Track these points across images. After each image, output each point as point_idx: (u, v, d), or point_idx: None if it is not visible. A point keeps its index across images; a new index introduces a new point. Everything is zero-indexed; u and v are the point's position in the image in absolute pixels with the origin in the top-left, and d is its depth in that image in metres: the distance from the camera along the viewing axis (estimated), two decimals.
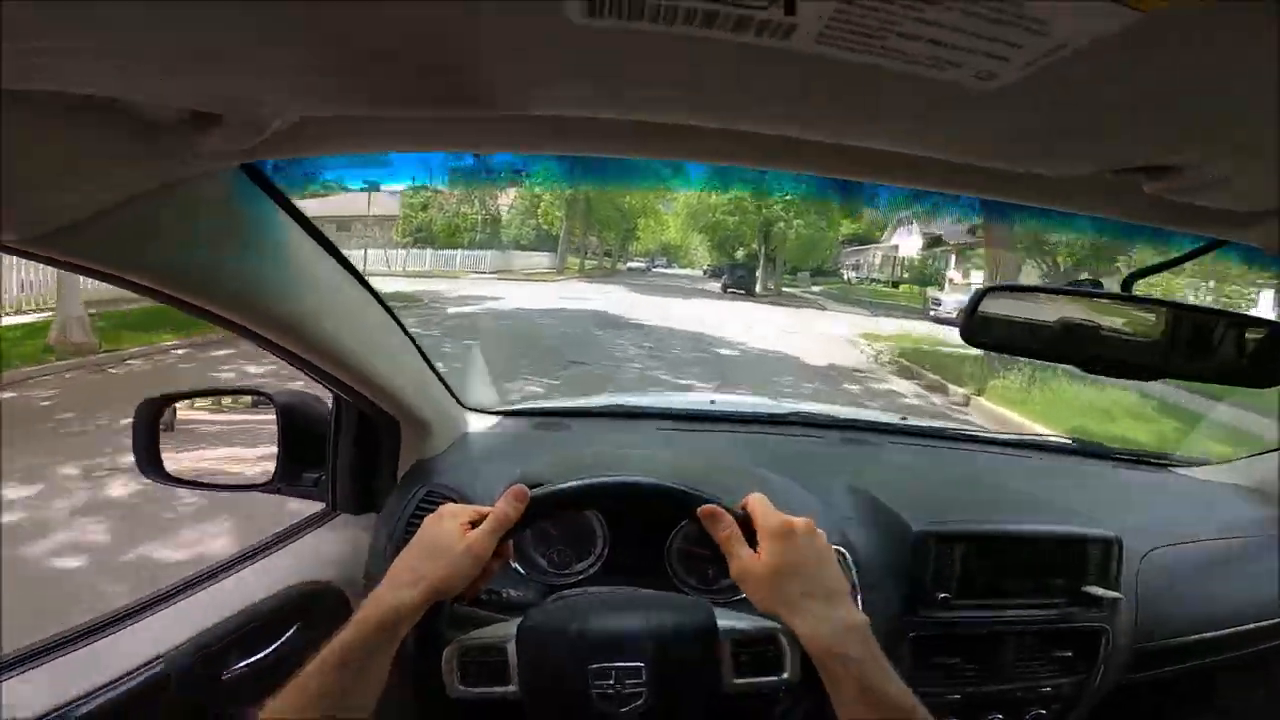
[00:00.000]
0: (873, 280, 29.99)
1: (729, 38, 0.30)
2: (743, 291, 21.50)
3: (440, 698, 0.65)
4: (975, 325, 0.79)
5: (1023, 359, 6.51)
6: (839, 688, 0.60)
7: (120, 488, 3.91)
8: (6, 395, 5.91)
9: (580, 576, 0.99)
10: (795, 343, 10.92)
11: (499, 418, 1.36)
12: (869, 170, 0.57)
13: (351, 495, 1.10)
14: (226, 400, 1.20)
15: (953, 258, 23.85)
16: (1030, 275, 10.89)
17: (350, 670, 0.59)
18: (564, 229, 26.69)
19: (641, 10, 0.29)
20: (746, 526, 0.68)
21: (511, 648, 0.66)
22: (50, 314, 8.23)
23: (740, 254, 26.44)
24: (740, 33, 0.30)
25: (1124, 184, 0.47)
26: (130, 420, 0.98)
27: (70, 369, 6.94)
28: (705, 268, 33.24)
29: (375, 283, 0.94)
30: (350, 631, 0.61)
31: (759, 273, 23.43)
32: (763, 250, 23.83)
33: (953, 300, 15.70)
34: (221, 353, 7.95)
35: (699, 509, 0.69)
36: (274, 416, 1.04)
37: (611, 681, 0.64)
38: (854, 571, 0.96)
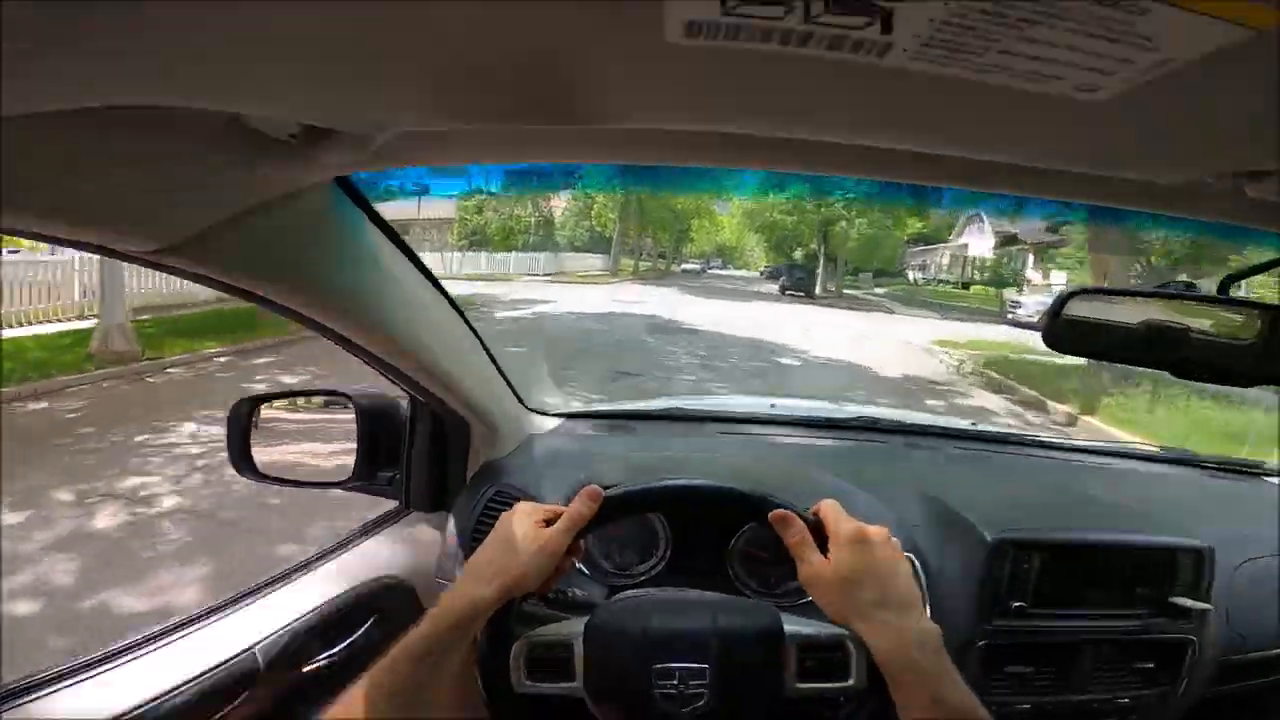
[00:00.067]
0: (940, 281, 29.00)
1: (823, 55, 0.31)
2: (802, 293, 20.93)
3: (506, 693, 0.67)
4: (1059, 329, 0.78)
5: (1145, 373, 6.02)
6: (908, 697, 0.60)
7: (108, 518, 3.63)
8: (39, 406, 5.80)
9: (642, 578, 0.99)
10: (863, 350, 10.04)
11: (561, 420, 1.34)
12: (958, 177, 0.58)
13: (424, 494, 1.12)
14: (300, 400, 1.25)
15: (1030, 257, 23.11)
16: (1121, 278, 9.91)
17: (426, 665, 0.60)
18: (617, 231, 26.48)
19: (738, 31, 0.29)
20: (818, 532, 0.68)
21: (578, 645, 0.67)
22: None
23: (799, 254, 25.67)
24: (834, 50, 0.30)
25: (1226, 187, 0.48)
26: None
27: (109, 378, 6.82)
28: (762, 269, 32.50)
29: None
30: (427, 626, 0.62)
31: (818, 274, 22.69)
32: (822, 250, 23.07)
33: (1034, 302, 14.81)
34: (261, 361, 7.79)
35: (771, 513, 0.69)
36: (346, 416, 1.07)
37: (675, 681, 0.65)
38: (923, 579, 0.94)
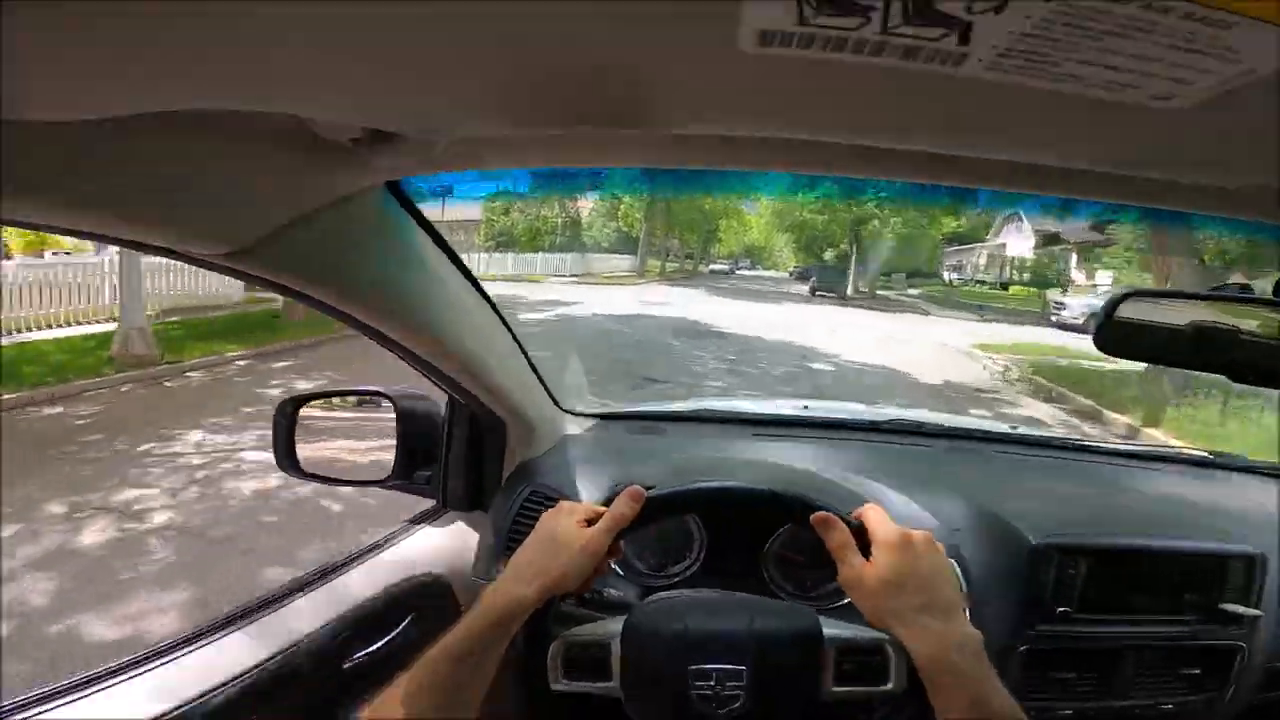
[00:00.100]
0: (977, 282, 28.05)
1: (896, 64, 0.31)
2: (833, 294, 20.47)
3: (542, 692, 0.67)
4: (1112, 331, 0.77)
5: (1209, 379, 5.83)
6: (948, 701, 0.59)
7: (96, 533, 3.46)
8: (53, 411, 5.73)
9: (676, 579, 0.99)
10: (899, 354, 9.56)
11: (594, 421, 1.34)
12: (1010, 180, 0.58)
13: (461, 493, 1.12)
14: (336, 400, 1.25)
15: (1074, 256, 22.18)
16: (1183, 280, 9.43)
17: (466, 663, 0.60)
18: (644, 231, 26.28)
19: (810, 40, 0.29)
20: (860, 536, 0.68)
21: (615, 645, 0.67)
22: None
23: (829, 255, 25.02)
24: (908, 60, 0.30)
25: None
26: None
27: (127, 381, 6.76)
28: (791, 269, 31.83)
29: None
30: (467, 625, 0.62)
31: (850, 274, 22.13)
32: (854, 250, 22.51)
33: (1080, 303, 14.23)
34: (278, 365, 7.69)
35: (813, 515, 0.69)
36: (378, 415, 1.08)
37: (712, 683, 0.64)
38: (963, 583, 0.93)
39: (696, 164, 0.60)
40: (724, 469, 1.11)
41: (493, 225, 25.15)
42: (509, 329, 1.02)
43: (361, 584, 0.98)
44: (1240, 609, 0.97)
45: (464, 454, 1.11)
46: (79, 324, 8.88)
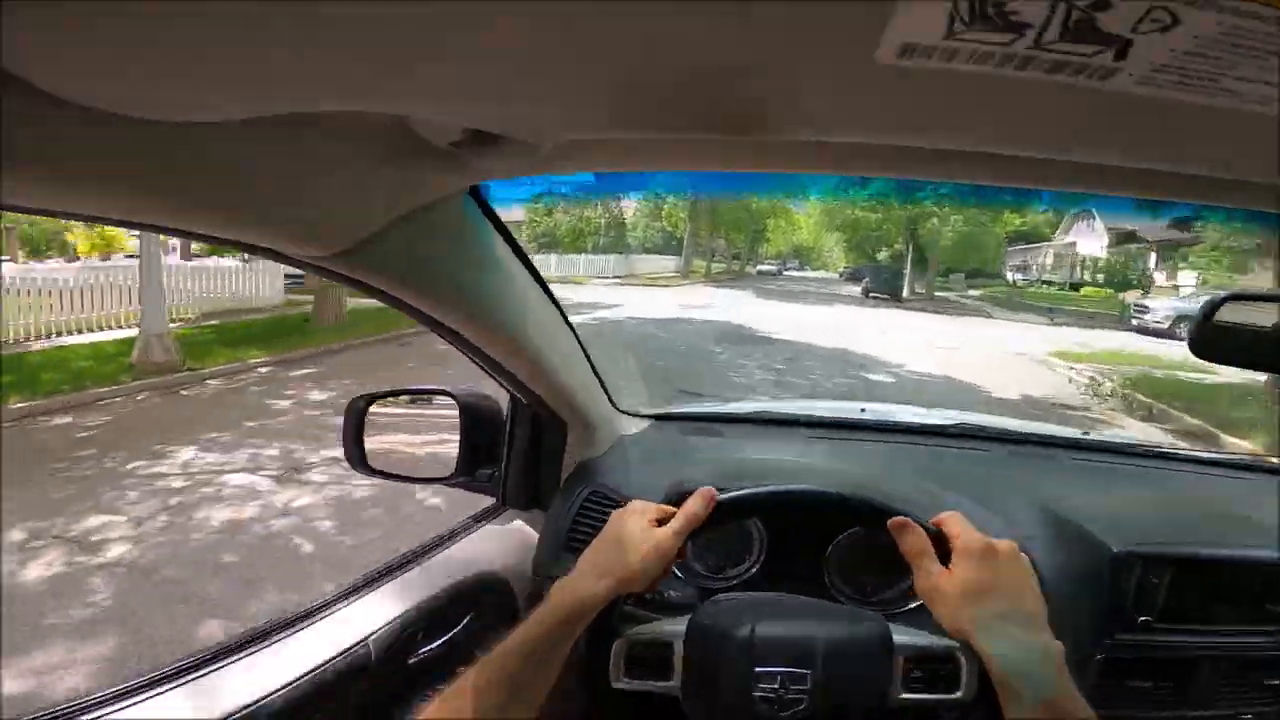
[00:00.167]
0: (1044, 283, 26.16)
1: (1041, 78, 0.30)
2: (888, 296, 19.36)
3: (603, 689, 0.67)
4: (1209, 336, 0.74)
5: None
6: (1023, 711, 0.59)
7: (42, 567, 3.16)
8: (63, 420, 5.53)
9: (735, 581, 0.99)
10: (965, 362, 8.67)
11: (649, 421, 1.33)
12: (1118, 185, 0.57)
13: (521, 492, 1.14)
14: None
15: (1153, 256, 20.64)
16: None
17: (534, 659, 0.61)
18: (688, 231, 25.64)
19: (953, 55, 0.29)
20: (939, 543, 0.67)
21: (678, 644, 0.68)
22: (178, 326, 8.19)
23: (883, 255, 23.87)
24: (1053, 74, 0.30)
25: None
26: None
27: (144, 389, 6.55)
28: (841, 270, 30.60)
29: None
30: (537, 620, 0.62)
31: (906, 275, 21.00)
32: (910, 250, 21.45)
33: (1165, 306, 12.98)
34: (298, 373, 7.40)
35: (890, 520, 0.68)
36: (433, 412, 1.11)
37: (775, 686, 0.64)
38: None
39: (805, 170, 0.60)
40: (783, 471, 1.11)
41: (535, 226, 25.01)
42: (573, 330, 1.04)
43: (424, 581, 0.98)
44: None
45: (525, 453, 1.12)
46: (106, 329, 8.85)
